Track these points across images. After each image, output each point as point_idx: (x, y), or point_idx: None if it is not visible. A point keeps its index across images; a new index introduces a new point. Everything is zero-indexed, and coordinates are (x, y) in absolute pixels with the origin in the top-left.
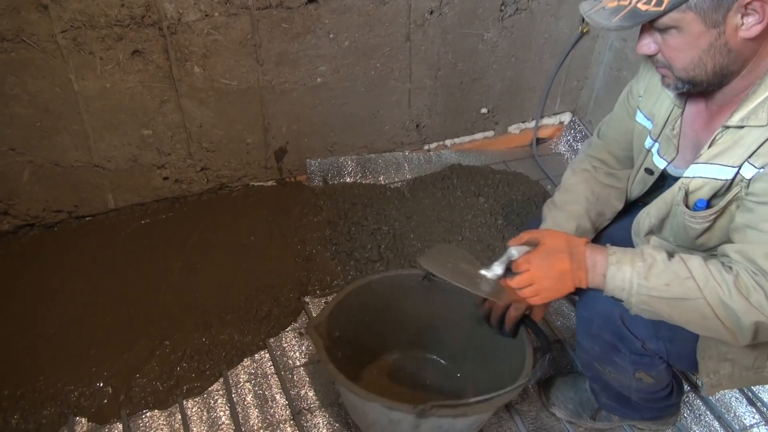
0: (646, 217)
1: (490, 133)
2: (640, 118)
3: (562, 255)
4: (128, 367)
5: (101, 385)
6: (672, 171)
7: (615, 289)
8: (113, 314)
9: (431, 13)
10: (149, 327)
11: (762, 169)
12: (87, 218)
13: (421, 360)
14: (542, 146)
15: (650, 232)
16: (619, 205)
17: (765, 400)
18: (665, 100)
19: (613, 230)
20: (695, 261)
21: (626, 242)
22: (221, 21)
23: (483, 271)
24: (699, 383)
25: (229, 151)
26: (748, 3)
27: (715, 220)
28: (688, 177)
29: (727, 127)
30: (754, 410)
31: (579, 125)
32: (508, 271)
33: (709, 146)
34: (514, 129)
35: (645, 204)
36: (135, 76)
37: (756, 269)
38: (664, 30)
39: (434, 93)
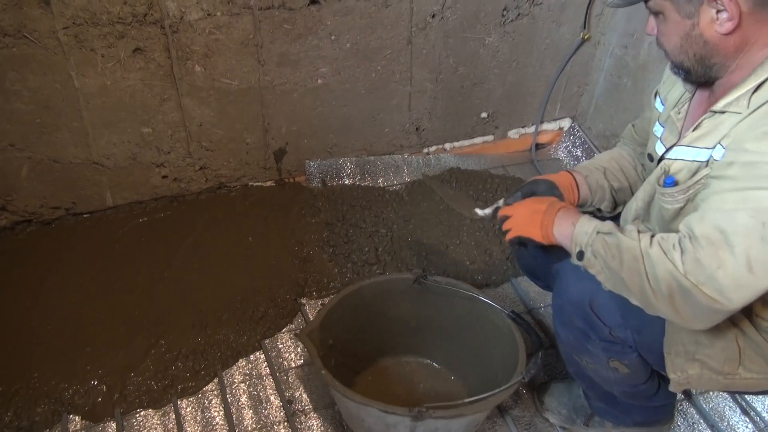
0: (634, 200)
1: (490, 138)
2: (657, 103)
3: (543, 202)
4: (123, 365)
5: (95, 383)
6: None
7: (580, 234)
8: (109, 312)
9: (433, 16)
10: (145, 325)
11: (725, 150)
12: (85, 215)
13: (414, 364)
14: (541, 152)
15: (636, 218)
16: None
17: (758, 409)
18: (679, 86)
19: None
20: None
21: None
22: (223, 20)
23: (477, 210)
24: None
25: (228, 150)
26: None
27: (686, 202)
28: (670, 159)
29: (713, 113)
30: (747, 419)
31: (578, 131)
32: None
33: (693, 129)
34: (513, 134)
35: None
36: (136, 74)
37: (688, 232)
38: (656, 14)
39: (435, 96)
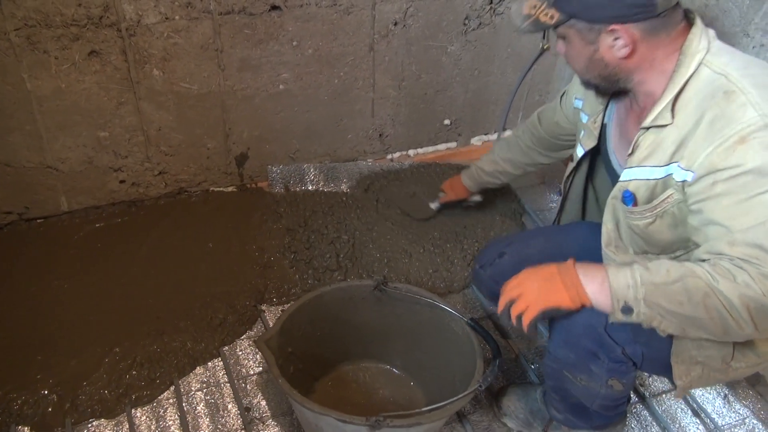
0: (603, 225)
1: (453, 145)
2: (583, 116)
3: (546, 266)
4: (75, 374)
5: (46, 392)
6: (620, 172)
7: (620, 287)
8: (61, 319)
9: (395, 24)
10: (99, 333)
11: (693, 173)
12: (38, 220)
13: (374, 370)
14: None
15: (609, 243)
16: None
17: (708, 411)
18: (592, 97)
19: (572, 228)
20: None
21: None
22: (182, 24)
23: (431, 204)
24: (674, 385)
25: (188, 155)
26: (612, 30)
27: (655, 219)
28: (625, 180)
29: (646, 129)
30: (698, 421)
31: None
32: None
33: (633, 148)
34: (476, 141)
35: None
36: (91, 77)
37: (728, 258)
38: (561, 40)
39: (398, 103)
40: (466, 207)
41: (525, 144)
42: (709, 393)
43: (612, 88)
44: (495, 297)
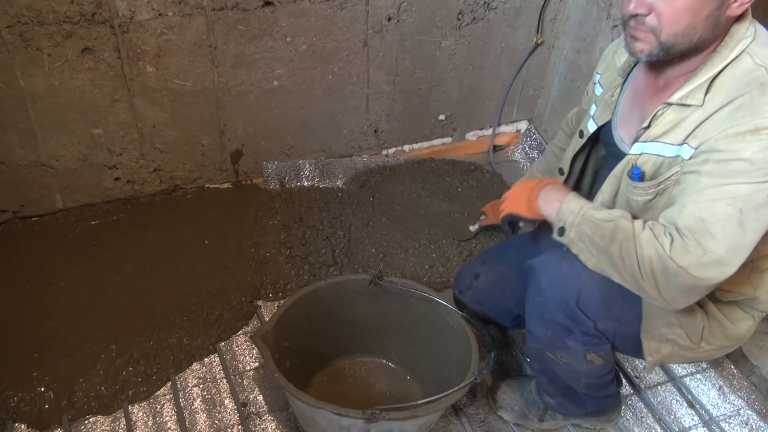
0: (600, 193)
1: (448, 140)
2: (597, 89)
3: (534, 180)
4: (72, 371)
5: (42, 389)
6: (622, 147)
7: (566, 210)
8: (57, 317)
9: (389, 19)
10: (95, 330)
11: (695, 150)
12: (33, 218)
13: (371, 364)
14: (499, 153)
15: None
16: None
17: (703, 402)
18: (613, 71)
19: None
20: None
21: None
22: (175, 21)
23: (470, 227)
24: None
25: (183, 152)
26: None
27: (655, 195)
28: (635, 154)
29: (669, 104)
30: (693, 412)
31: (535, 133)
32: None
33: (650, 122)
34: (471, 136)
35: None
36: (85, 74)
37: (672, 225)
38: None
39: (392, 99)
40: (506, 232)
41: (559, 148)
42: (704, 384)
43: (681, 58)
44: (484, 318)
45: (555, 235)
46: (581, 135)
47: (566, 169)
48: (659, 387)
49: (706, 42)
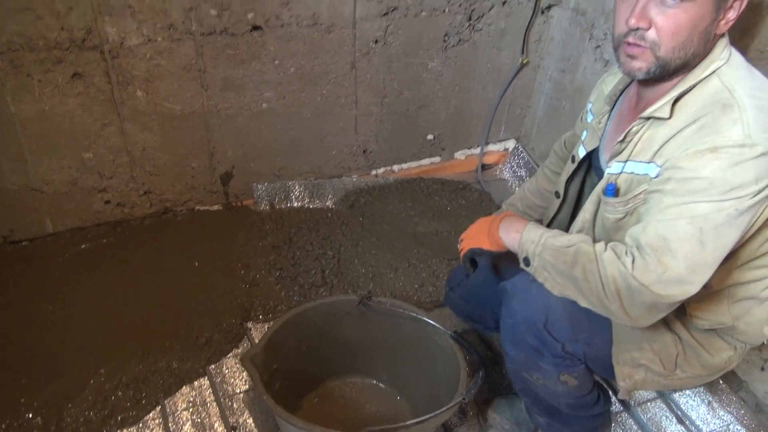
0: (582, 212)
1: (437, 159)
2: (589, 116)
3: (491, 216)
4: (60, 396)
5: (31, 416)
6: (604, 166)
7: (527, 240)
8: (46, 342)
9: (376, 42)
10: (84, 354)
11: (660, 168)
12: (23, 243)
13: (360, 385)
14: (487, 172)
15: (582, 229)
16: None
17: (693, 418)
18: (602, 100)
19: None
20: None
21: None
22: (164, 46)
23: None
24: (617, 388)
25: (173, 174)
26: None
27: (625, 214)
28: (614, 173)
29: (642, 119)
30: (683, 428)
31: (522, 152)
32: None
33: (625, 136)
34: (460, 155)
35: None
36: (75, 99)
37: (635, 243)
38: (676, 2)
39: (380, 119)
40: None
41: (551, 170)
42: (693, 400)
43: (671, 75)
44: (467, 316)
45: (522, 265)
46: (573, 160)
47: (561, 192)
48: (649, 403)
49: (697, 59)
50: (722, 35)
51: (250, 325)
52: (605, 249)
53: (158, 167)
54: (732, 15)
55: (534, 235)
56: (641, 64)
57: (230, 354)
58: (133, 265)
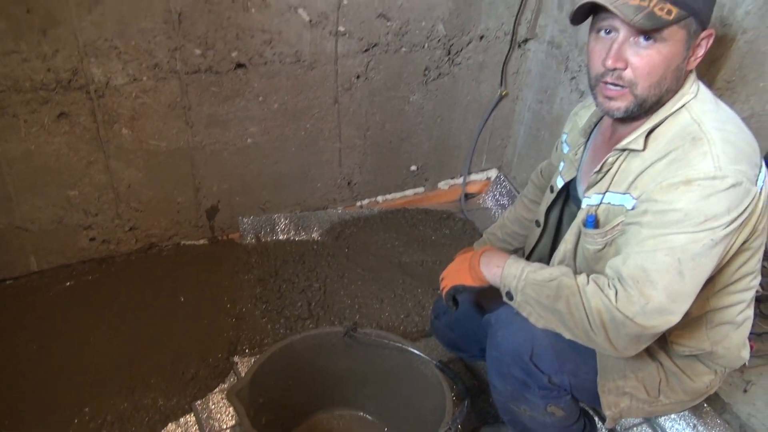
0: (563, 243)
1: (421, 189)
2: (564, 147)
3: (470, 250)
4: None
5: None
6: (581, 196)
7: (508, 276)
8: (30, 381)
9: (358, 77)
10: (69, 393)
11: (636, 200)
12: (7, 282)
13: (348, 418)
14: (471, 201)
15: (563, 260)
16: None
17: None
18: (577, 132)
19: None
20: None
21: None
22: (150, 85)
23: None
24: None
25: (158, 210)
26: (704, 37)
27: (605, 246)
28: (593, 204)
29: (617, 151)
30: None
31: (504, 181)
32: None
33: (601, 167)
34: (443, 185)
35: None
36: (61, 138)
37: (616, 275)
38: (650, 43)
39: (364, 152)
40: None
41: (529, 199)
42: (678, 424)
43: (645, 112)
44: (452, 345)
45: (505, 299)
46: (551, 190)
47: (541, 221)
48: (635, 428)
49: (670, 94)
50: (691, 71)
51: (236, 359)
52: (587, 282)
53: (144, 203)
54: (700, 52)
55: (515, 270)
56: (620, 104)
57: (216, 389)
58: (119, 301)
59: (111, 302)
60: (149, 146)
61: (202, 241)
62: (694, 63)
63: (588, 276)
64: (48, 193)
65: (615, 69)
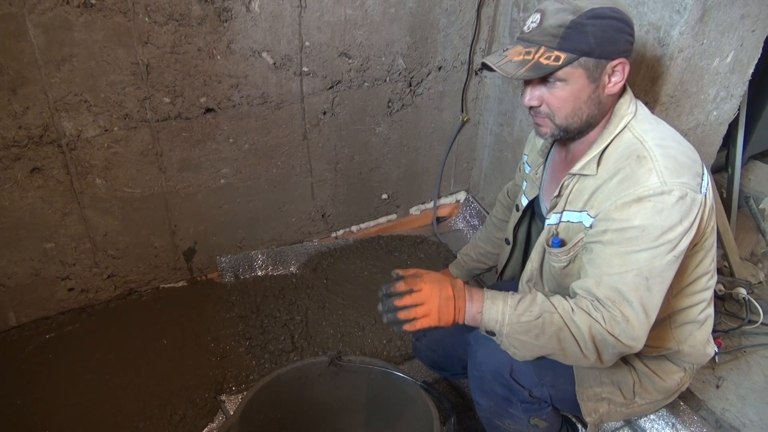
0: (530, 262)
1: (393, 216)
2: (526, 167)
3: (447, 284)
4: None
5: None
6: (545, 213)
7: (489, 321)
8: None
9: (324, 113)
10: None
11: (593, 219)
12: None
13: None
14: (442, 224)
15: (530, 279)
16: (501, 235)
17: None
18: (535, 153)
19: (502, 284)
20: (552, 294)
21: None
22: (121, 135)
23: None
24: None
25: (136, 256)
26: (615, 65)
27: (569, 263)
28: (553, 224)
29: (572, 175)
30: None
31: (473, 202)
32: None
33: (560, 191)
34: (415, 210)
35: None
36: (34, 192)
37: (592, 296)
38: (553, 83)
39: (335, 184)
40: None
41: (498, 218)
42: (658, 424)
43: (579, 134)
44: (435, 365)
45: (483, 334)
46: (517, 209)
47: (511, 239)
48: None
49: (597, 118)
50: (621, 94)
51: (223, 397)
52: (572, 310)
53: (121, 250)
54: (618, 78)
55: (495, 313)
56: (546, 130)
57: (206, 429)
58: (101, 349)
59: (93, 351)
60: (124, 194)
61: (181, 283)
62: (614, 88)
63: (570, 303)
64: (24, 246)
65: (531, 107)
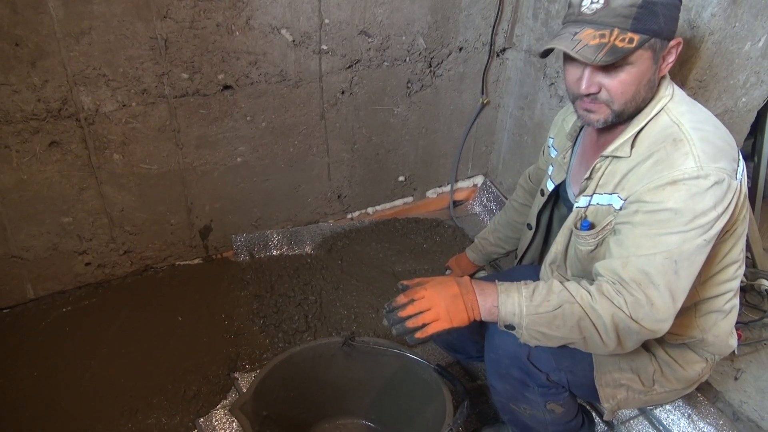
0: (554, 245)
1: (410, 199)
2: (552, 151)
3: (451, 282)
4: None
5: None
6: (574, 201)
7: (507, 314)
8: (31, 409)
9: (342, 93)
10: (71, 419)
11: (624, 201)
12: (4, 310)
13: (351, 426)
14: (459, 208)
15: (553, 261)
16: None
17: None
18: (563, 137)
19: (520, 270)
20: (568, 281)
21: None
22: (139, 110)
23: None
24: (602, 409)
25: (152, 232)
26: (673, 46)
27: (596, 246)
28: (583, 206)
29: (604, 157)
30: None
31: (491, 186)
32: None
33: (591, 173)
34: (431, 194)
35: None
36: (53, 166)
37: (616, 278)
38: (620, 67)
39: (352, 165)
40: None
41: (519, 203)
42: (674, 414)
43: (629, 118)
44: (449, 347)
45: (503, 329)
46: (542, 194)
47: (533, 224)
48: (632, 421)
49: (647, 101)
50: (664, 76)
51: (237, 375)
52: (592, 297)
53: (137, 226)
54: (671, 58)
55: (512, 306)
56: (599, 117)
57: (219, 405)
58: (117, 324)
59: (109, 326)
60: (141, 170)
61: (196, 261)
62: (665, 69)
63: (590, 289)
64: (42, 220)
65: (589, 93)
